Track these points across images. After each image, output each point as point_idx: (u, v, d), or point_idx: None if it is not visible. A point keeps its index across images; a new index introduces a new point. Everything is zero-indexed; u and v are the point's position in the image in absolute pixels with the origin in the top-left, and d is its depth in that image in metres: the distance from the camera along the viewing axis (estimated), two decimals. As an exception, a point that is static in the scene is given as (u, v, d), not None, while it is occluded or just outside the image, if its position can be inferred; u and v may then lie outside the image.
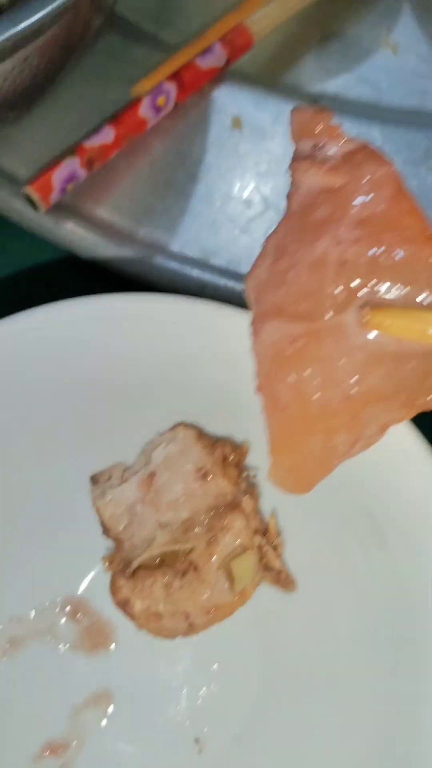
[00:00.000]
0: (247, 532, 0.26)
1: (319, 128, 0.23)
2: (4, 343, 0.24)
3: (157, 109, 0.32)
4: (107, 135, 0.31)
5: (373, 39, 0.38)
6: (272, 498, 0.27)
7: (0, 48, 0.23)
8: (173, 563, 0.25)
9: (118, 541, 0.27)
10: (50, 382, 0.25)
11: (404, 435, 0.23)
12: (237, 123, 0.34)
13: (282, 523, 0.27)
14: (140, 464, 0.27)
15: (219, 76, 0.34)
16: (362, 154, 0.23)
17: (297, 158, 0.24)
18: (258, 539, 0.26)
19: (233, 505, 0.26)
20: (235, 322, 0.24)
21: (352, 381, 0.21)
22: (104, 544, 0.28)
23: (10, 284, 0.33)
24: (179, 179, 0.33)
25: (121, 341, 0.25)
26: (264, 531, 0.27)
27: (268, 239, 0.24)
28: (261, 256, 0.24)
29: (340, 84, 0.37)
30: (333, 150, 0.23)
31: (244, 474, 0.27)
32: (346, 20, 0.39)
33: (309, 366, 0.21)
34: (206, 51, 0.34)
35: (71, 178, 0.31)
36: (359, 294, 0.21)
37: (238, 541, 0.25)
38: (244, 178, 0.33)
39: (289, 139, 0.33)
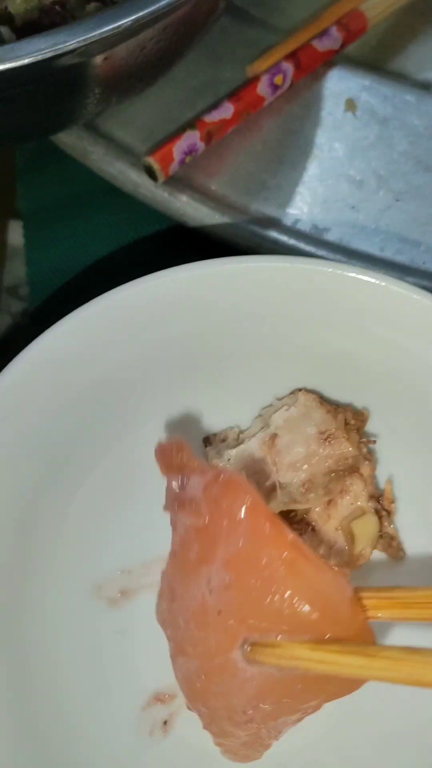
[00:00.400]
0: (365, 496, 0.26)
1: (179, 462, 0.24)
2: (133, 302, 0.25)
3: (274, 88, 0.33)
4: (226, 110, 0.32)
5: None
6: (388, 466, 0.27)
7: (149, 17, 0.24)
8: (291, 522, 0.26)
9: None
10: (169, 342, 0.26)
11: None
12: (351, 105, 0.34)
13: (398, 486, 0.27)
14: (257, 427, 0.27)
15: (332, 60, 0.35)
16: (218, 486, 0.23)
17: (168, 496, 0.25)
18: (373, 504, 0.26)
19: (353, 469, 0.26)
20: (356, 288, 0.25)
21: (249, 712, 0.23)
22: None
23: (129, 251, 0.34)
24: (291, 157, 0.33)
25: (244, 303, 0.25)
26: (379, 497, 0.27)
27: (163, 577, 0.26)
28: (160, 594, 0.26)
29: (449, 71, 0.38)
30: (195, 484, 0.24)
31: (364, 439, 0.27)
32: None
33: (212, 699, 0.23)
34: (323, 33, 0.35)
35: (190, 150, 0.32)
36: (238, 636, 0.22)
37: (356, 504, 0.26)
38: (356, 158, 0.33)
39: (401, 127, 0.34)
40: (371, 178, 0.33)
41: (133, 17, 0.25)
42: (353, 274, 0.25)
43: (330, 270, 0.24)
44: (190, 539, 0.24)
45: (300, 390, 0.27)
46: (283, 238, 0.32)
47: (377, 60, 0.36)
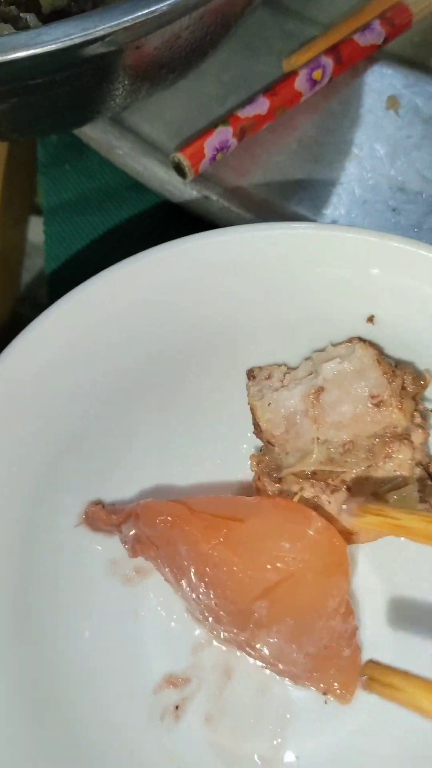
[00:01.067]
0: (410, 465, 0.24)
1: (107, 521, 0.27)
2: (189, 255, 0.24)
3: (313, 83, 0.32)
4: (262, 105, 0.31)
5: None
6: None
7: (186, 3, 0.23)
8: (325, 478, 0.24)
9: (269, 444, 0.26)
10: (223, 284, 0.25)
11: None
12: (393, 103, 0.33)
13: None
14: (305, 372, 0.26)
15: (373, 55, 0.34)
16: (142, 515, 0.26)
17: (127, 548, 0.28)
18: (419, 471, 0.25)
19: (402, 436, 0.24)
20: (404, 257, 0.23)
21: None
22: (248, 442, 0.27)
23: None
24: (329, 156, 0.32)
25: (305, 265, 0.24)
26: (427, 464, 0.25)
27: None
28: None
29: None
30: (129, 528, 0.26)
31: (420, 406, 0.25)
32: None
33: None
34: (365, 27, 0.33)
35: (222, 146, 0.31)
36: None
37: (399, 472, 0.24)
38: (398, 158, 0.32)
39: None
40: (414, 179, 0.32)
41: (168, 2, 0.24)
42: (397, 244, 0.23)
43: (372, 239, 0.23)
44: (161, 566, 0.26)
45: (357, 339, 0.25)
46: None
47: (421, 56, 0.34)
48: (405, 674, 0.22)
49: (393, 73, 0.34)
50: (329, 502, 0.24)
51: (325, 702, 0.25)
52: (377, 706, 0.25)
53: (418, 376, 0.25)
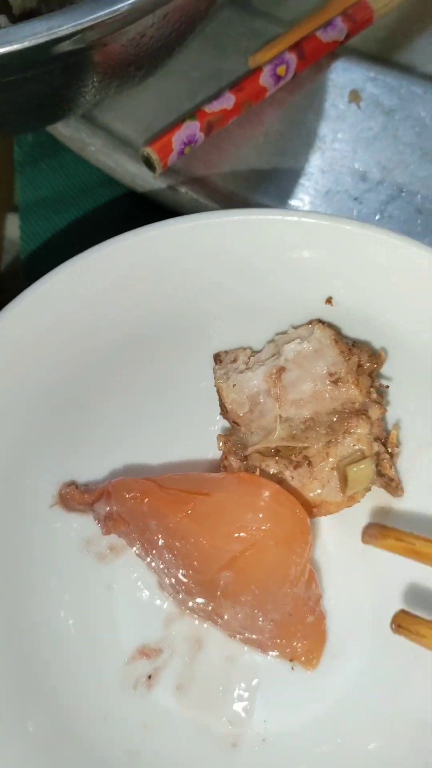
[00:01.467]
0: (369, 439, 0.26)
1: (81, 500, 0.29)
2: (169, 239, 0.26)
3: (277, 78, 0.34)
4: (228, 101, 0.33)
5: None
6: (399, 409, 0.27)
7: (147, 2, 0.25)
8: (288, 455, 0.26)
9: (235, 424, 0.27)
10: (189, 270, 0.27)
11: None
12: (355, 96, 0.35)
13: (405, 431, 0.27)
14: (268, 354, 0.27)
15: (336, 51, 0.35)
16: (114, 494, 0.27)
17: (101, 527, 0.29)
18: (377, 446, 0.26)
19: (360, 412, 0.26)
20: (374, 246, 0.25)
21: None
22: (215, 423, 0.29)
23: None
24: (294, 149, 0.34)
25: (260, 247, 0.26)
26: (384, 439, 0.27)
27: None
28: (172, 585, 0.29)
29: (456, 64, 0.38)
30: (102, 506, 0.28)
31: (377, 383, 0.27)
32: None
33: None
34: (328, 24, 0.35)
35: (190, 141, 0.32)
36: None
37: (358, 446, 0.26)
38: (360, 150, 0.34)
39: (407, 119, 0.34)
40: (375, 169, 0.33)
41: (131, 1, 0.25)
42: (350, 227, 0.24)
43: (326, 223, 0.24)
44: (133, 541, 0.28)
45: (316, 321, 0.26)
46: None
47: (383, 51, 0.36)
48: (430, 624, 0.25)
49: (355, 67, 0.35)
50: (292, 477, 0.26)
51: (292, 668, 0.27)
52: (342, 673, 0.27)
53: (373, 354, 0.26)
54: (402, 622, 0.26)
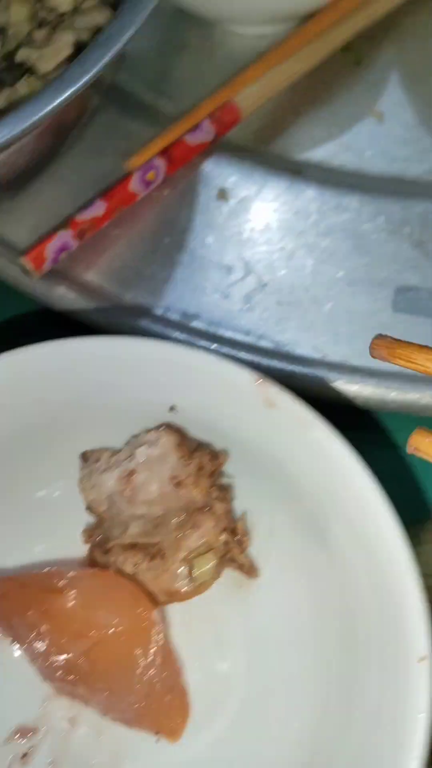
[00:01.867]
0: (215, 532, 0.29)
1: None
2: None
3: (147, 184, 0.37)
4: (98, 208, 0.35)
5: (360, 107, 0.42)
6: (246, 500, 0.31)
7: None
8: (145, 547, 0.29)
9: (99, 519, 0.31)
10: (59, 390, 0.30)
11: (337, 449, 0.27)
12: (223, 195, 0.37)
13: (254, 519, 0.30)
14: (124, 456, 0.30)
15: (206, 150, 0.38)
16: None
17: None
18: (226, 536, 0.30)
19: (205, 508, 0.29)
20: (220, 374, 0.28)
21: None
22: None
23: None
24: (166, 246, 0.37)
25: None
26: (233, 529, 0.30)
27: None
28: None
29: (325, 152, 0.41)
30: None
31: (218, 482, 0.30)
32: (335, 89, 0.44)
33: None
34: (195, 127, 0.38)
35: (63, 248, 0.35)
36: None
37: (204, 540, 0.29)
38: (227, 246, 0.36)
39: (271, 214, 0.37)
40: (239, 265, 0.36)
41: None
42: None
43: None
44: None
45: (164, 427, 0.29)
46: (154, 327, 0.35)
47: (259, 142, 0.39)
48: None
49: (225, 164, 0.38)
50: (148, 569, 0.29)
51: (156, 741, 0.29)
52: (205, 741, 0.30)
53: (214, 455, 0.29)
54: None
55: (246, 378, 0.27)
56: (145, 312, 0.35)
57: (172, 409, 0.29)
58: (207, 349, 0.29)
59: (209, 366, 0.27)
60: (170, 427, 0.29)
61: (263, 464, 0.29)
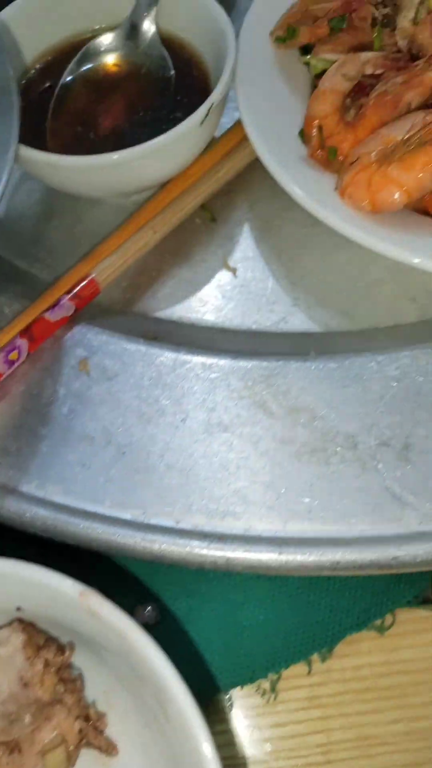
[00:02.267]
0: (69, 722, 0.31)
1: None
2: None
3: (10, 363, 0.39)
4: (-39, 393, 0.38)
5: (216, 263, 0.46)
6: (96, 688, 0.32)
7: None
8: (5, 742, 0.31)
9: None
10: None
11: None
12: (84, 365, 0.40)
13: (112, 700, 0.32)
14: None
15: (68, 323, 0.41)
16: None
17: None
18: (80, 723, 0.31)
19: (56, 701, 0.31)
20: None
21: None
22: None
23: None
24: (31, 422, 0.39)
25: None
26: (86, 716, 0.32)
27: None
28: None
29: (184, 309, 0.44)
30: None
31: (65, 674, 0.32)
32: (194, 246, 0.47)
33: None
34: (55, 304, 0.41)
35: None
36: None
37: (56, 732, 0.31)
38: (89, 416, 0.39)
39: (127, 381, 0.40)
40: (100, 433, 0.39)
41: None
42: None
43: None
44: None
45: (15, 623, 0.31)
46: (22, 506, 0.37)
47: (107, 319, 0.42)
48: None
49: (87, 334, 0.41)
50: (7, 763, 0.30)
51: None
52: None
53: (61, 648, 0.31)
54: None
55: (71, 589, 0.29)
56: (11, 490, 0.37)
57: (18, 609, 0.31)
58: (43, 559, 0.31)
59: (41, 579, 0.29)
60: (21, 623, 0.31)
61: (107, 654, 0.31)
